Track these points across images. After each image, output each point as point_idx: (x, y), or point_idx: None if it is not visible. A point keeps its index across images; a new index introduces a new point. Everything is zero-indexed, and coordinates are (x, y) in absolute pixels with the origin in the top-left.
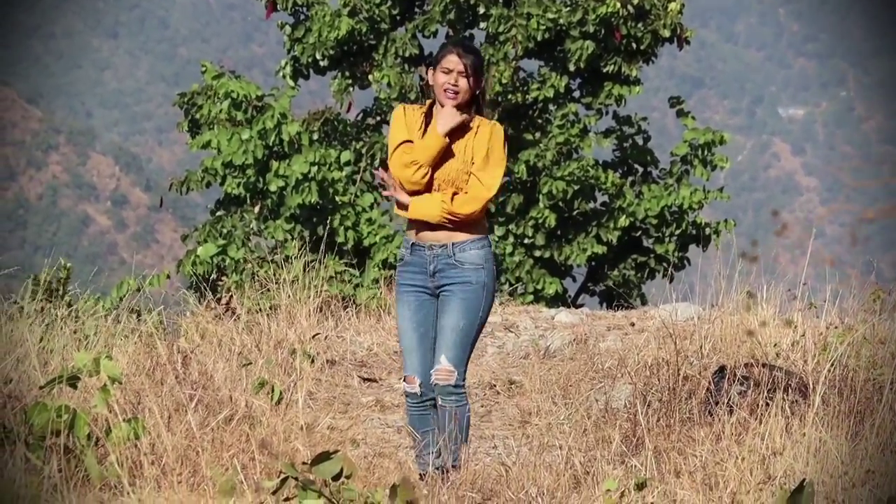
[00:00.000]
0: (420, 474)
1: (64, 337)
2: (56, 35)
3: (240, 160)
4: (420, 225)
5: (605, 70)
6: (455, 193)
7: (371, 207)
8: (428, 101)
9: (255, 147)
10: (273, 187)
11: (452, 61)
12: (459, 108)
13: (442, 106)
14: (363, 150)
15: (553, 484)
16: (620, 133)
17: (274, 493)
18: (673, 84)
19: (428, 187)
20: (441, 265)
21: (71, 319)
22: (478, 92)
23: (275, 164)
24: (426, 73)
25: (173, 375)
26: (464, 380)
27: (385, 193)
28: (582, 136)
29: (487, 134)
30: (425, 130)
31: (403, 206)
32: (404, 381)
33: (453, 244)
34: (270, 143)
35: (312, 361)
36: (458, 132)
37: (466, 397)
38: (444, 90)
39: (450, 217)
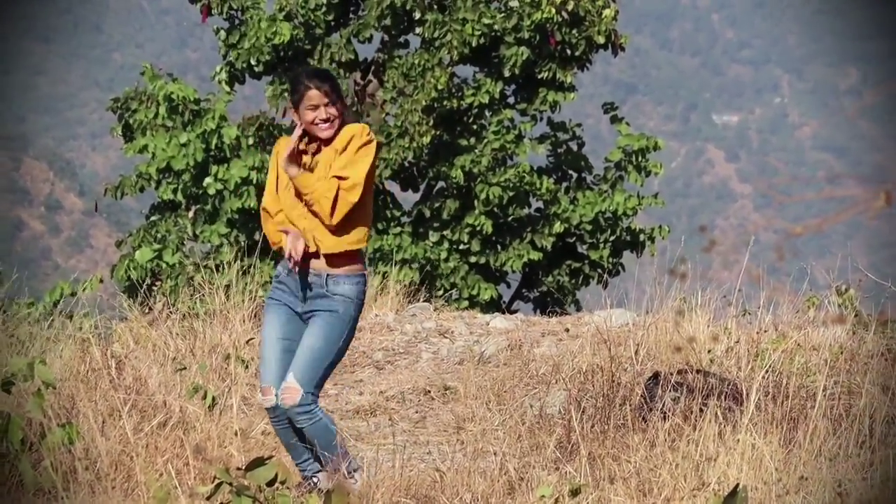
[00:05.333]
0: (304, 477)
1: None
2: None
3: (179, 164)
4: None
5: (539, 76)
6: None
7: None
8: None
9: (194, 150)
10: (211, 191)
11: (315, 97)
12: (338, 130)
13: (317, 137)
14: None
15: (487, 490)
16: (555, 139)
17: (208, 498)
18: (607, 90)
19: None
20: (314, 294)
21: (4, 324)
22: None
23: (214, 167)
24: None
25: (108, 380)
26: (312, 401)
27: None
28: (517, 143)
29: (346, 138)
30: (297, 164)
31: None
32: (260, 392)
33: (328, 276)
34: (211, 147)
35: (247, 366)
36: (320, 145)
37: (319, 412)
38: (316, 124)
39: (332, 204)
